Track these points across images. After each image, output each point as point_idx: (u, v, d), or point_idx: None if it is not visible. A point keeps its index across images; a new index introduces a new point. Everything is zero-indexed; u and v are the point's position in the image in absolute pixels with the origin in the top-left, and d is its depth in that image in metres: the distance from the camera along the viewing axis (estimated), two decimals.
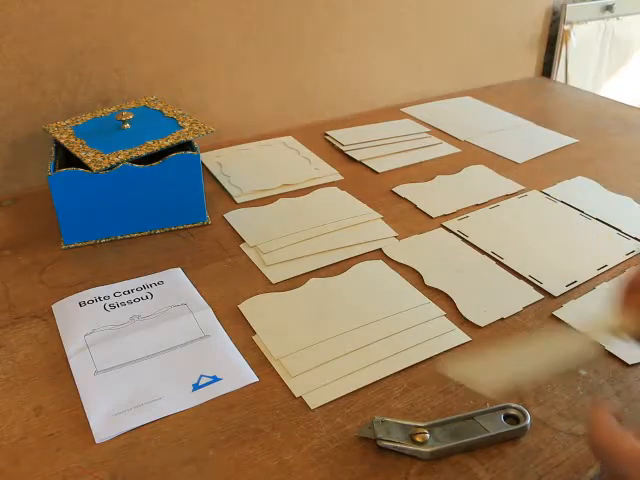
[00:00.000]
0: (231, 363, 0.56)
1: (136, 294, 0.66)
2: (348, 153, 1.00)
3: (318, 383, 0.55)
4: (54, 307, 0.64)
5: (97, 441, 0.49)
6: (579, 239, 0.77)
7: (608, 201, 0.85)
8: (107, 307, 0.63)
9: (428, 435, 0.48)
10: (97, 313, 0.63)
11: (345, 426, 0.50)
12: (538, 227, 0.79)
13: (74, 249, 0.74)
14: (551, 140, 1.06)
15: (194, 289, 0.67)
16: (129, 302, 0.64)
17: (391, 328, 0.61)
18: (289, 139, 1.05)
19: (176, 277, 0.69)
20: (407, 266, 0.70)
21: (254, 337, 0.60)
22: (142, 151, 0.72)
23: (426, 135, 1.07)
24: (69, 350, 0.58)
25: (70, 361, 0.57)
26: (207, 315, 0.63)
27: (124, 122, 0.78)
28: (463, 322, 0.62)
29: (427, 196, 0.86)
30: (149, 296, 0.65)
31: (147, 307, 0.64)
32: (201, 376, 0.55)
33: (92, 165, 0.70)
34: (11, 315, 0.63)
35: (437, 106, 1.22)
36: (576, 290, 0.67)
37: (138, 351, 0.58)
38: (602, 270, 0.70)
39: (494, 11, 1.29)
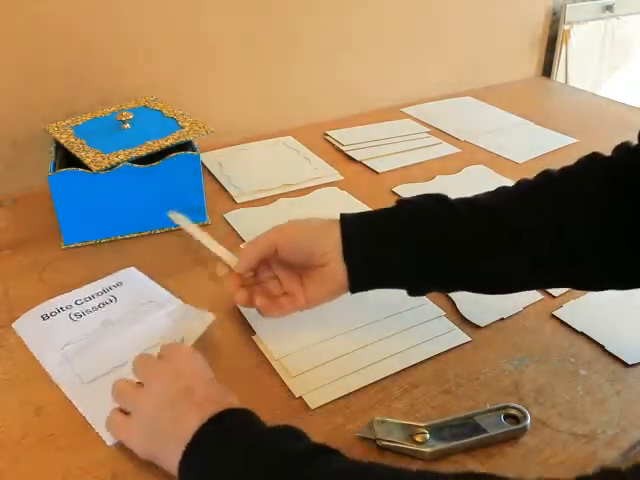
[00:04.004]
0: None
1: (99, 299, 0.64)
2: (348, 153, 1.00)
3: (318, 383, 0.55)
4: (15, 325, 0.61)
5: (109, 444, 0.49)
6: None
7: None
8: (73, 316, 0.62)
9: (428, 435, 0.48)
10: (65, 324, 0.61)
11: (345, 426, 0.50)
12: None
13: (74, 249, 0.74)
14: (551, 140, 1.06)
15: (155, 284, 0.67)
16: (94, 308, 0.63)
17: (391, 328, 0.61)
18: (289, 139, 1.05)
19: (133, 276, 0.68)
20: None
21: (254, 337, 0.60)
22: (142, 151, 0.72)
23: (426, 135, 1.07)
24: (48, 366, 0.56)
25: (52, 375, 0.55)
26: (177, 305, 0.63)
27: (124, 122, 0.78)
28: (463, 322, 0.62)
29: None
30: (113, 299, 0.65)
31: (115, 310, 0.63)
32: None
33: (92, 165, 0.70)
34: (11, 315, 0.63)
35: (437, 106, 1.22)
36: (576, 290, 0.66)
37: (122, 354, 0.56)
38: None
39: (494, 11, 1.29)
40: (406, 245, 0.54)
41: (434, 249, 0.54)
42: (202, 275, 0.69)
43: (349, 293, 0.57)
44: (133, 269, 0.69)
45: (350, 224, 0.55)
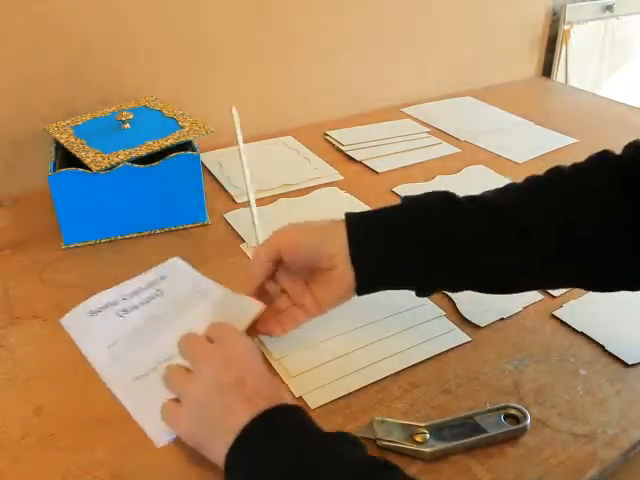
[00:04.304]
0: None
1: (145, 294, 0.64)
2: (348, 153, 1.00)
3: (318, 383, 0.55)
4: (63, 321, 0.61)
5: (158, 445, 0.48)
6: None
7: None
8: (120, 312, 0.62)
9: (428, 435, 0.48)
10: (112, 321, 0.61)
11: (345, 426, 0.50)
12: None
13: (74, 249, 0.74)
14: (551, 140, 1.06)
15: (199, 274, 0.66)
16: (141, 303, 0.63)
17: (391, 328, 0.61)
18: (289, 139, 1.05)
19: (177, 267, 0.68)
20: None
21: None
22: (142, 151, 0.72)
23: (426, 135, 1.07)
24: (96, 363, 0.56)
25: (101, 373, 0.55)
26: (221, 292, 0.62)
27: (124, 122, 0.78)
28: (463, 322, 0.62)
29: None
30: (159, 293, 0.64)
31: (161, 305, 0.63)
32: None
33: (92, 165, 0.70)
34: (11, 315, 0.63)
35: (437, 106, 1.22)
36: (576, 290, 0.66)
37: (169, 349, 0.55)
38: None
39: (494, 11, 1.29)
40: (408, 244, 0.53)
41: (437, 247, 0.53)
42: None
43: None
44: (177, 259, 0.69)
45: (355, 224, 0.54)
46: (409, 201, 0.56)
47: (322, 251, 0.53)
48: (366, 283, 0.55)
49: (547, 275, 0.54)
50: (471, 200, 0.55)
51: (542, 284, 0.59)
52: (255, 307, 0.54)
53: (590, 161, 0.55)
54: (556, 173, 0.55)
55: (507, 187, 0.56)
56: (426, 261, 0.53)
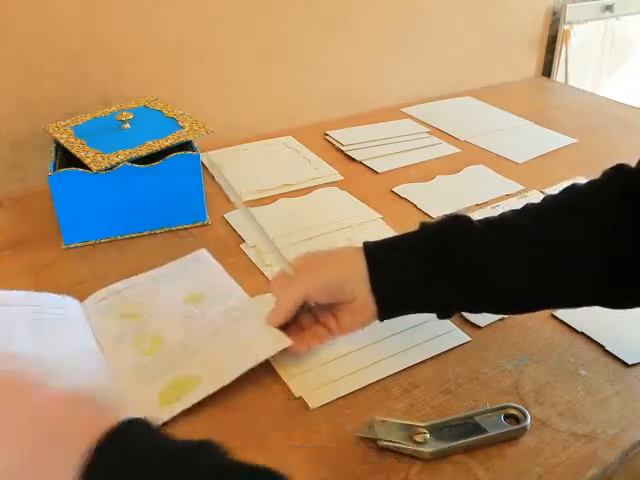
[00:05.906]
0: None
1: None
2: (348, 153, 1.00)
3: (318, 383, 0.55)
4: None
5: None
6: None
7: None
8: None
9: (428, 435, 0.48)
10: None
11: (345, 426, 0.50)
12: None
13: (74, 249, 0.74)
14: (551, 140, 1.06)
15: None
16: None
17: (391, 328, 0.61)
18: (289, 139, 1.05)
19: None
20: None
21: None
22: (142, 151, 0.72)
23: (426, 135, 1.07)
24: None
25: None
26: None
27: (124, 122, 0.78)
28: (463, 322, 0.62)
29: (427, 196, 0.86)
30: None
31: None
32: None
33: (92, 165, 0.70)
34: None
35: (437, 106, 1.22)
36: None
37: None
38: None
39: (494, 11, 1.29)
40: (425, 270, 0.53)
41: (453, 271, 0.53)
42: None
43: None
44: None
45: (373, 253, 0.55)
46: (425, 227, 0.56)
47: (344, 287, 0.54)
48: (387, 310, 0.55)
49: (568, 293, 0.54)
50: (487, 222, 0.55)
51: (562, 303, 0.58)
52: (284, 341, 0.55)
53: (605, 178, 0.55)
54: (572, 192, 0.55)
55: (524, 208, 0.56)
56: (444, 285, 0.53)
